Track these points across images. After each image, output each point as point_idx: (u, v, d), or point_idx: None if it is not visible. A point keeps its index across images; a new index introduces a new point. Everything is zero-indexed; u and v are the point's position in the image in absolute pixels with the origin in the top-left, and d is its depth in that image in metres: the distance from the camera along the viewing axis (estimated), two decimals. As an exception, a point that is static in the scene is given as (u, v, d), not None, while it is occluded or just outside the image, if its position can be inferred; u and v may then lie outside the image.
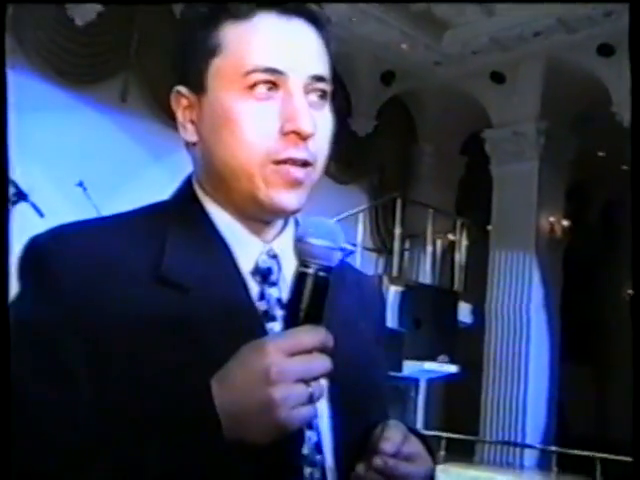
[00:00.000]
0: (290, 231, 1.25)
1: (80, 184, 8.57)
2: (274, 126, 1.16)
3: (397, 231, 11.25)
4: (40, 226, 1.17)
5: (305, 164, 1.17)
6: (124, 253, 1.14)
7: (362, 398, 1.24)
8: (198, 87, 1.20)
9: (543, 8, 10.21)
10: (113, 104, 9.41)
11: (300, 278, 1.06)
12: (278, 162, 1.16)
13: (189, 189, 1.27)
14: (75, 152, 8.88)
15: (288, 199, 1.17)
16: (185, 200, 1.26)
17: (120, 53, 9.47)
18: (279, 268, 1.23)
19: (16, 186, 8.17)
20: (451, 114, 12.50)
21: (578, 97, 11.00)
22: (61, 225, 1.19)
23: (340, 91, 11.64)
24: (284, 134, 1.15)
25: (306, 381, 0.99)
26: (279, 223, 1.26)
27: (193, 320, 1.11)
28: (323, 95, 1.21)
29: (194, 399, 1.00)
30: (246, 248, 1.22)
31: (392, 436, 1.16)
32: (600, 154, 12.13)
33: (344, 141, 11.20)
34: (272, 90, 1.16)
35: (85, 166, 8.80)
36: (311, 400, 0.99)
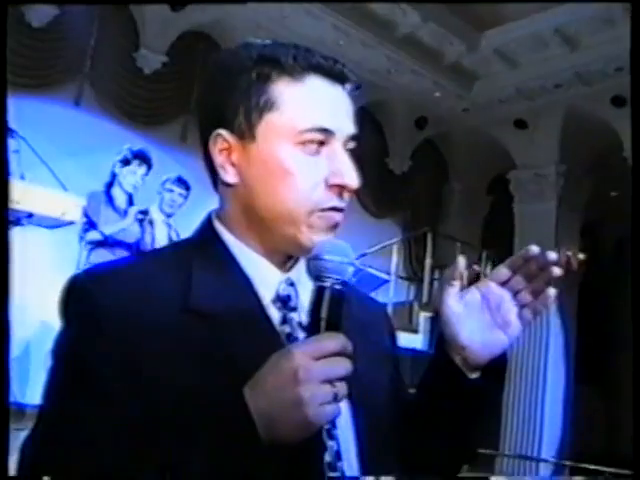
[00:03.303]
0: (303, 261, 1.26)
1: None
2: (321, 178, 1.22)
3: (427, 262, 11.41)
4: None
5: (343, 210, 1.25)
6: (154, 288, 1.19)
7: (380, 406, 1.30)
8: (246, 135, 1.24)
9: (563, 62, 10.26)
10: (174, 143, 9.60)
11: (318, 291, 1.10)
12: (323, 210, 1.22)
13: (210, 226, 1.31)
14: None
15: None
16: (207, 236, 1.31)
17: (181, 98, 9.61)
18: (297, 295, 1.28)
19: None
20: (478, 156, 12.49)
21: (593, 143, 10.91)
22: (97, 265, 1.27)
23: (379, 134, 11.97)
24: (329, 186, 1.22)
25: (331, 382, 1.02)
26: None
27: (219, 342, 1.15)
28: (351, 151, 1.27)
29: (230, 405, 1.04)
30: (267, 279, 1.27)
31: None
32: (613, 194, 12.15)
33: (382, 179, 11.61)
34: (320, 146, 1.22)
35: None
36: (336, 399, 1.02)
